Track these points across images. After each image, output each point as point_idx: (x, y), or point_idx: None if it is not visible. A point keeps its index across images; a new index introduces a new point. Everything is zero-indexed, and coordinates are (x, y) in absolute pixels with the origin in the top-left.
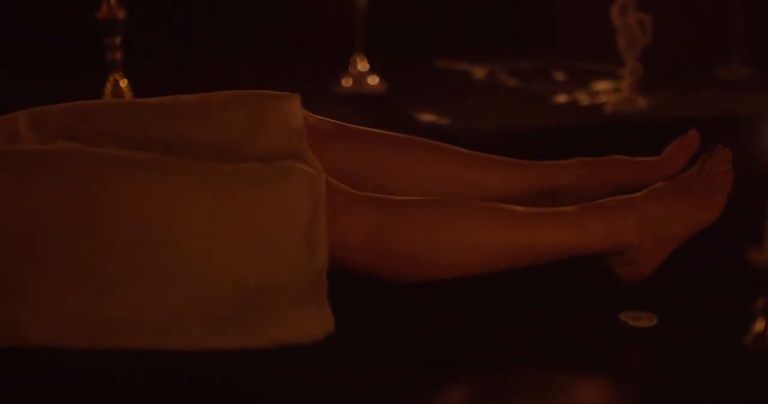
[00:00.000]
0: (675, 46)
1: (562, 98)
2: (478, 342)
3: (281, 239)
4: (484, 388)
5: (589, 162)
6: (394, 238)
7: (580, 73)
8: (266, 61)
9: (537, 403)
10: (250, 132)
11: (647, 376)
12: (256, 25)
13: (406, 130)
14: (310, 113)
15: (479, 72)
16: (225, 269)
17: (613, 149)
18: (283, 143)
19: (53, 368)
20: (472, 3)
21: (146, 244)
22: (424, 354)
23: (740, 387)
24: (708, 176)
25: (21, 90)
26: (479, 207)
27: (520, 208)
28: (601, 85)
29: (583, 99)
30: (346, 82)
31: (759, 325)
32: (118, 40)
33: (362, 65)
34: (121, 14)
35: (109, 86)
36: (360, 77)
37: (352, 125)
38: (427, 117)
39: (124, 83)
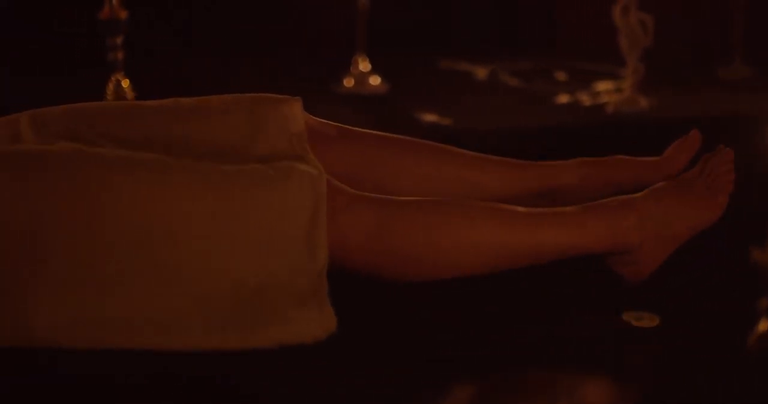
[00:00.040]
0: (676, 46)
1: (563, 98)
2: (479, 342)
3: (281, 239)
4: (485, 388)
5: (591, 162)
6: (394, 238)
7: (581, 73)
8: (268, 62)
9: (540, 403)
10: (250, 135)
11: (649, 376)
12: (257, 25)
13: (408, 130)
14: (312, 116)
15: (481, 72)
16: (225, 269)
17: (615, 149)
18: (284, 146)
19: (53, 368)
20: (474, 3)
21: (146, 244)
22: (424, 354)
23: (743, 387)
24: (710, 176)
25: (21, 90)
26: (479, 208)
27: (520, 208)
28: (603, 85)
29: (585, 99)
30: (348, 83)
31: (762, 325)
32: (119, 41)
33: (364, 65)
34: (123, 14)
35: (111, 86)
36: (362, 77)
37: (353, 127)
38: (429, 117)
39: (125, 83)
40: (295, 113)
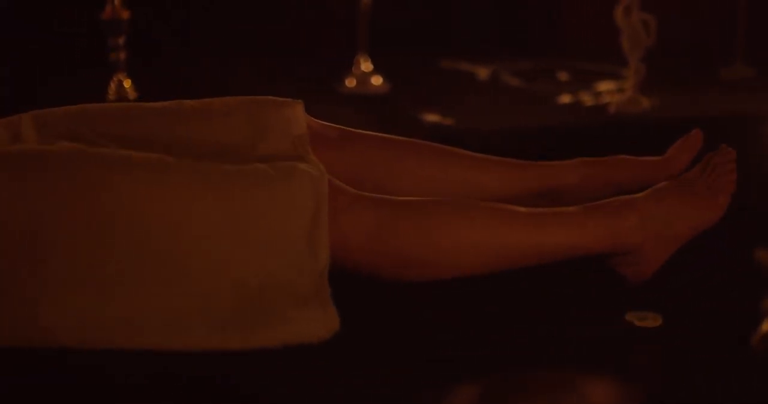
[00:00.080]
0: (678, 46)
1: (565, 98)
2: (481, 342)
3: (283, 239)
4: (487, 388)
5: (592, 162)
6: (395, 239)
7: (583, 73)
8: (270, 62)
9: (543, 403)
10: (252, 137)
11: (653, 376)
12: (259, 26)
13: (410, 130)
14: (313, 118)
15: (483, 72)
16: (226, 269)
17: (617, 149)
18: (286, 147)
19: (53, 368)
20: (476, 3)
21: (147, 244)
22: (424, 354)
23: (746, 386)
24: (711, 176)
25: (22, 91)
26: (481, 208)
27: (521, 209)
28: (605, 86)
29: (587, 99)
30: (350, 83)
31: (765, 325)
32: (121, 41)
33: (366, 65)
34: (126, 15)
35: (113, 86)
36: (363, 77)
37: (354, 129)
38: (431, 117)
39: (128, 83)
40: (297, 116)
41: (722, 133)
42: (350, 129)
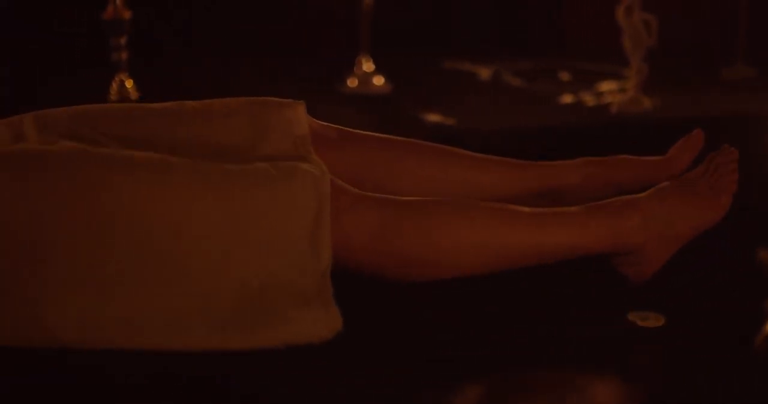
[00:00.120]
0: (678, 46)
1: (567, 98)
2: (484, 342)
3: (285, 239)
4: (490, 388)
5: (593, 161)
6: (397, 239)
7: (585, 73)
8: (271, 62)
9: (546, 403)
10: (254, 138)
11: (655, 376)
12: (260, 26)
13: (412, 130)
14: (315, 119)
15: (484, 72)
16: (228, 269)
17: (618, 149)
18: (288, 148)
19: (53, 368)
20: (476, 3)
21: (148, 244)
22: (425, 354)
23: (749, 387)
24: (713, 176)
25: (22, 91)
26: (483, 208)
27: (524, 209)
28: (606, 86)
29: (589, 99)
30: (352, 83)
31: None
32: (123, 41)
33: (368, 66)
34: (127, 15)
35: (114, 86)
36: (365, 78)
37: (355, 130)
38: (433, 117)
39: (129, 83)
40: (298, 116)
41: (724, 133)
42: (350, 129)
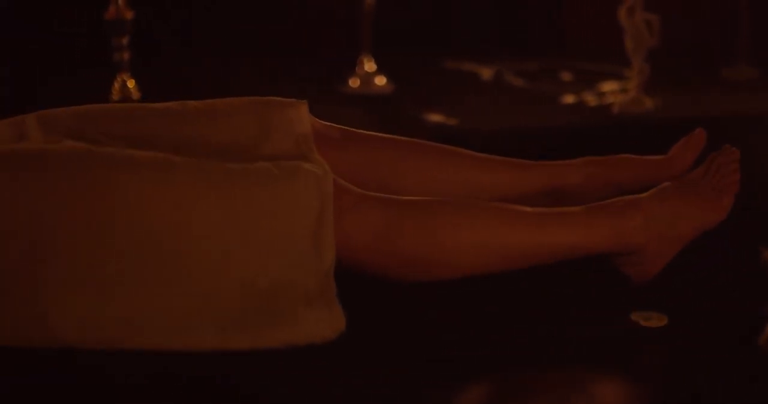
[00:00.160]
0: (679, 46)
1: (569, 99)
2: (486, 342)
3: (288, 239)
4: (492, 389)
5: (595, 161)
6: (400, 238)
7: (586, 73)
8: (271, 62)
9: (549, 403)
10: (256, 137)
11: (658, 376)
12: (261, 26)
13: (414, 130)
14: (317, 119)
15: (486, 72)
16: (232, 269)
17: (621, 150)
18: (290, 147)
19: (53, 368)
20: (478, 3)
21: (151, 244)
22: (426, 354)
23: (752, 387)
24: (715, 176)
25: (22, 91)
26: (485, 208)
27: (526, 209)
28: (608, 86)
29: (590, 99)
30: (354, 83)
31: None
32: (125, 41)
33: (369, 66)
34: (129, 15)
35: (116, 86)
36: (367, 78)
37: (358, 130)
38: (435, 117)
39: (131, 84)
40: (301, 116)
41: (725, 134)
42: (353, 129)
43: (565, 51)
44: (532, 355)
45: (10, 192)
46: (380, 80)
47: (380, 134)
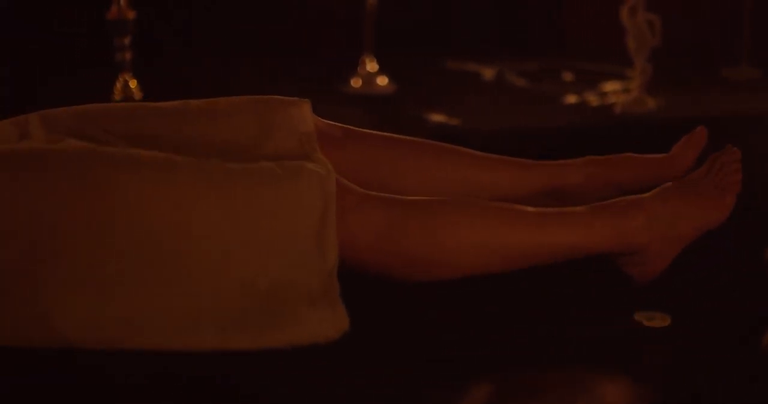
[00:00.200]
0: (679, 46)
1: (571, 99)
2: (488, 342)
3: (291, 239)
4: (494, 389)
5: (597, 160)
6: (403, 238)
7: (588, 73)
8: (272, 62)
9: (550, 403)
10: (259, 136)
11: (661, 376)
12: (261, 26)
13: (416, 130)
14: (320, 118)
15: (488, 73)
16: (234, 269)
17: (623, 150)
18: (293, 145)
19: (53, 368)
20: (478, 3)
21: (151, 244)
22: (427, 354)
23: (755, 387)
24: (717, 176)
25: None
26: (489, 208)
27: (529, 208)
28: (610, 86)
29: (592, 100)
30: (356, 83)
31: None
32: (127, 41)
33: (371, 66)
34: (131, 15)
35: (118, 86)
36: (369, 78)
37: (360, 129)
38: (437, 117)
39: (133, 84)
40: (303, 115)
41: (727, 134)
42: (355, 128)
43: (565, 51)
44: (533, 355)
45: (10, 192)
46: (382, 80)
47: (382, 133)
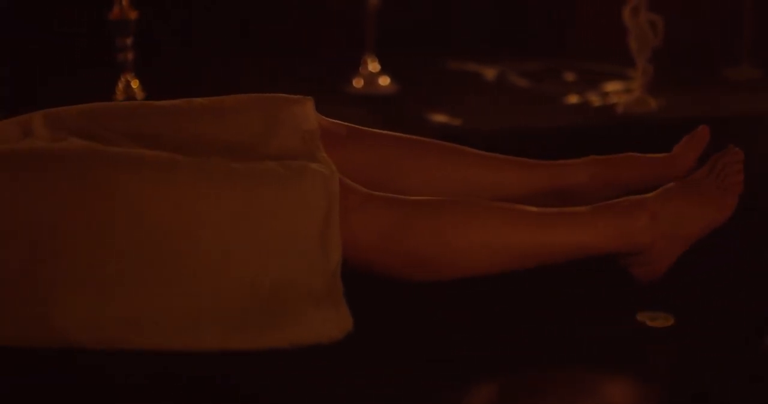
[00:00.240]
0: (682, 47)
1: (573, 99)
2: (492, 342)
3: (295, 239)
4: (499, 389)
5: (600, 160)
6: (407, 238)
7: (590, 73)
8: (274, 63)
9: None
10: (263, 134)
11: (665, 376)
12: (263, 27)
13: (418, 130)
14: (323, 116)
15: (490, 73)
16: (238, 269)
17: (625, 150)
18: (297, 144)
19: (53, 368)
20: (478, 3)
21: (151, 244)
22: (431, 354)
23: (758, 386)
24: (719, 176)
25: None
26: (492, 208)
27: (532, 208)
28: (612, 86)
29: (594, 100)
30: (358, 83)
31: None
32: (129, 41)
33: (373, 66)
34: (133, 15)
35: (120, 86)
36: (371, 78)
37: (365, 127)
38: (439, 117)
39: (135, 84)
40: (307, 112)
41: (729, 134)
42: (359, 127)
43: (565, 51)
44: (538, 355)
45: (10, 192)
46: (384, 80)
47: (386, 132)
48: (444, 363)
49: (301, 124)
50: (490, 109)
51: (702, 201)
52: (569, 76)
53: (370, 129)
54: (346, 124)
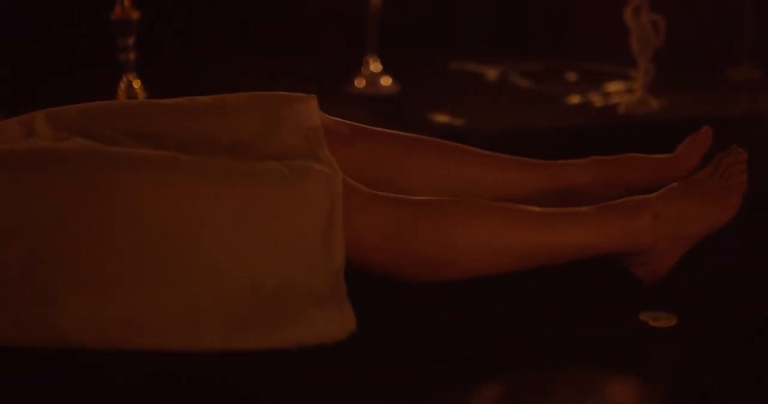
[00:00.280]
0: (683, 47)
1: (574, 99)
2: (495, 342)
3: (298, 239)
4: (501, 389)
5: (603, 160)
6: (410, 238)
7: (592, 74)
8: (275, 63)
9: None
10: (266, 132)
11: (667, 376)
12: (264, 27)
13: (420, 130)
14: (326, 115)
15: (491, 73)
16: (241, 269)
17: (627, 150)
18: (300, 142)
19: (53, 368)
20: (478, 3)
21: (152, 244)
22: (433, 354)
23: (761, 386)
24: (723, 176)
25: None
26: (495, 208)
27: (535, 208)
28: (614, 86)
29: (596, 100)
30: (359, 83)
31: None
32: (131, 41)
33: (375, 66)
34: (135, 15)
35: (122, 86)
36: (373, 78)
37: (368, 126)
38: (441, 117)
39: (137, 84)
40: (310, 110)
41: (732, 134)
42: (362, 125)
43: (565, 51)
44: (541, 355)
45: (10, 192)
46: (386, 81)
47: (389, 130)
48: (444, 363)
49: (304, 121)
50: (491, 109)
51: (705, 201)
52: (571, 76)
53: (373, 128)
54: (349, 122)
